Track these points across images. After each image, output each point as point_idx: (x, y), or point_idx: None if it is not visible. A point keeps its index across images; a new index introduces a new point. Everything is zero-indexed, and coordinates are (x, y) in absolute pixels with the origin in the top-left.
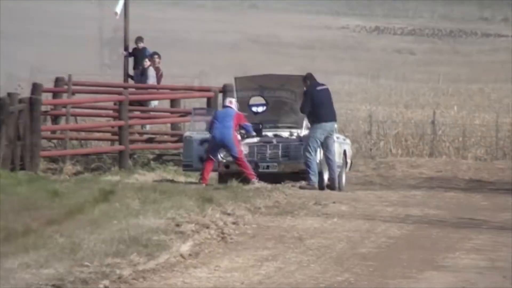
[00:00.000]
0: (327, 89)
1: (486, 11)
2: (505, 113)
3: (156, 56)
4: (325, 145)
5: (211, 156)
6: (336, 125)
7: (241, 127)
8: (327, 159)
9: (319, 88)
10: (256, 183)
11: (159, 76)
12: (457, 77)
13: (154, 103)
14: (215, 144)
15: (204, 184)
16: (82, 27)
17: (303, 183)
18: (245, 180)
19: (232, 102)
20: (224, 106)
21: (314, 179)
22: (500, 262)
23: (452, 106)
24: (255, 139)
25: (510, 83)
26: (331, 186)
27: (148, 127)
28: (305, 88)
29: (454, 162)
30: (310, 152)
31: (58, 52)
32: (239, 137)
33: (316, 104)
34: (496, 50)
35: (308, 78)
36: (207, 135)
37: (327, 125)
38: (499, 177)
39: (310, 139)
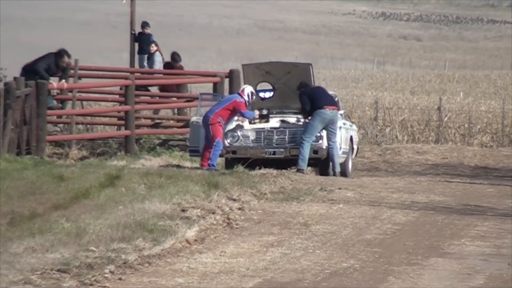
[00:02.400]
0: (321, 87)
1: None
2: (511, 100)
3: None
4: (327, 133)
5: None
6: (341, 112)
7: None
8: (328, 145)
9: (313, 87)
10: (204, 170)
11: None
12: (463, 64)
13: None
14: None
15: (204, 167)
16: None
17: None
18: (251, 166)
19: (244, 90)
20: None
21: (302, 163)
22: (505, 249)
23: (458, 92)
24: (262, 125)
25: None
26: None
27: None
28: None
29: (460, 148)
30: (304, 139)
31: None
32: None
33: (313, 98)
34: (502, 36)
35: (302, 86)
36: None
37: (326, 112)
38: (505, 164)
39: (308, 125)
